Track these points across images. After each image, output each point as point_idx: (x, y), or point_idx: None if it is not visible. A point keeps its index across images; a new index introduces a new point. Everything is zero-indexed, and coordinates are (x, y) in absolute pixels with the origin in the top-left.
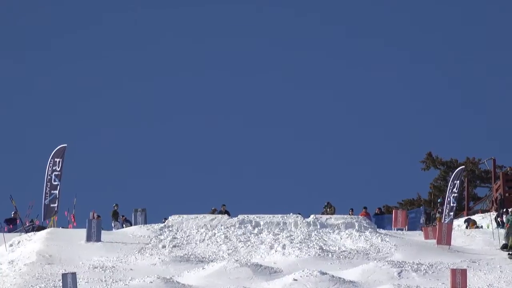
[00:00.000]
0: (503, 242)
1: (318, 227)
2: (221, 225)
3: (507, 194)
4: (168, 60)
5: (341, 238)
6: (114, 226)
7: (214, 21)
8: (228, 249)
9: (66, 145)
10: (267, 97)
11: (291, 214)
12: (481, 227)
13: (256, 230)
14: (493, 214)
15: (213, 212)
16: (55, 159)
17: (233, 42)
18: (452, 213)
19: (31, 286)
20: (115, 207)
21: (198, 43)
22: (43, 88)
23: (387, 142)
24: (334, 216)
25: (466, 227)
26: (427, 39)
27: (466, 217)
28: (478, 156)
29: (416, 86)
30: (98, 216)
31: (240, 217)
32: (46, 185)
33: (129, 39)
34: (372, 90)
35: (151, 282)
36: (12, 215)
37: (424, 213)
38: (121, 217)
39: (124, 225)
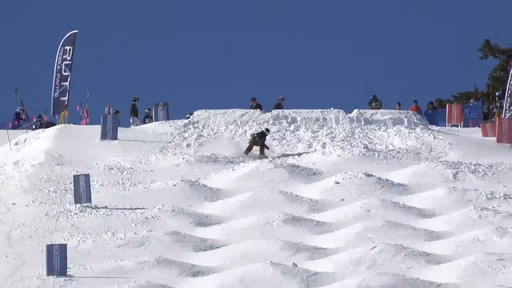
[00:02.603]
0: None
1: (363, 123)
2: (253, 121)
3: None
4: None
5: (388, 136)
6: (133, 122)
7: None
8: None
9: (77, 31)
10: None
11: (331, 108)
12: None
13: (292, 127)
14: None
15: (252, 104)
16: (66, 47)
17: None
18: None
19: (39, 189)
20: (134, 101)
21: None
22: None
23: (439, 26)
24: (381, 111)
25: None
26: None
27: None
28: None
29: None
30: (116, 112)
31: (274, 112)
32: (56, 76)
33: None
34: None
35: (174, 185)
36: (18, 110)
37: (482, 107)
38: (146, 111)
39: (146, 121)
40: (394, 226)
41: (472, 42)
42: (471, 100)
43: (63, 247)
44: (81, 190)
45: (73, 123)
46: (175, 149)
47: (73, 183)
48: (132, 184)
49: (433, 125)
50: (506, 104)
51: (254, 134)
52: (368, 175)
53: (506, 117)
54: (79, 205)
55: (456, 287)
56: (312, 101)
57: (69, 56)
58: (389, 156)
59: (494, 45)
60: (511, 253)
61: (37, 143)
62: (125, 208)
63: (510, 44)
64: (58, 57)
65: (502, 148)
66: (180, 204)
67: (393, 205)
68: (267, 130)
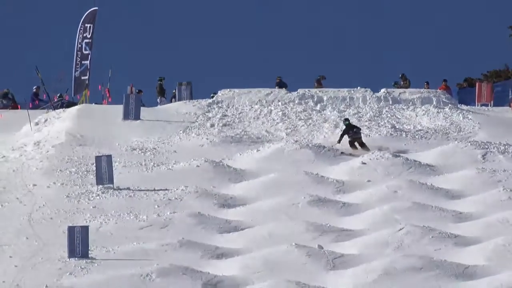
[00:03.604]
0: None
1: (390, 102)
2: (278, 101)
3: None
4: None
5: (416, 115)
6: (160, 102)
7: None
8: (287, 128)
9: (97, 8)
10: None
11: (358, 88)
12: None
13: (318, 107)
14: None
15: (278, 82)
16: (86, 25)
17: None
18: None
19: (60, 170)
20: (161, 81)
21: None
22: None
23: (469, 3)
24: (409, 90)
25: None
26: None
27: None
28: None
29: None
30: (139, 91)
31: (300, 91)
32: (77, 54)
33: None
34: None
35: (198, 166)
36: (34, 90)
37: None
38: (173, 91)
39: (173, 101)
40: (421, 207)
41: (503, 19)
42: (502, 79)
43: (84, 229)
44: (103, 171)
45: (95, 103)
46: (198, 129)
47: (95, 164)
48: (155, 165)
49: (463, 104)
50: None
51: (349, 133)
52: (396, 156)
53: None
54: (101, 186)
55: (484, 269)
56: (338, 80)
57: (89, 34)
58: (417, 136)
59: None
60: None
61: (58, 123)
62: (148, 190)
63: None
64: (78, 35)
65: None
66: (204, 185)
67: (420, 186)
68: (346, 119)
